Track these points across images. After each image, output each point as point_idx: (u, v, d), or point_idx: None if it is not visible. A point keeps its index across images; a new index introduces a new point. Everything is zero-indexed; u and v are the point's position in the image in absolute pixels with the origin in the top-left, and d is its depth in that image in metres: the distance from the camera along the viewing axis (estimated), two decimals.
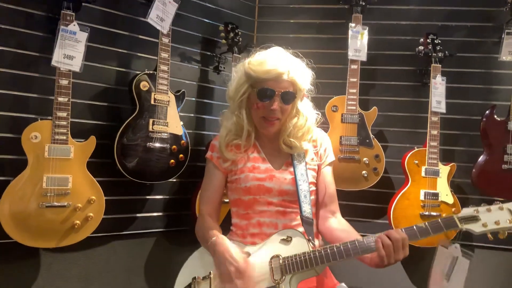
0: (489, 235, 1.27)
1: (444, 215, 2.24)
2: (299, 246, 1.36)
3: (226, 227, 1.71)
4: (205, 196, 1.63)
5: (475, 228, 1.25)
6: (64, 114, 1.77)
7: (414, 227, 1.28)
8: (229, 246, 1.38)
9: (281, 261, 1.35)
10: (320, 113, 1.67)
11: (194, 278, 1.42)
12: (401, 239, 1.25)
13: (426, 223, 1.28)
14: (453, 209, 2.26)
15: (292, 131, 1.54)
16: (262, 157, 1.59)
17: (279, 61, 1.47)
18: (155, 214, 2.28)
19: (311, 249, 1.35)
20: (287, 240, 1.38)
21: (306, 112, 1.58)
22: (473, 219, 1.26)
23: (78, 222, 1.80)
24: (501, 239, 1.29)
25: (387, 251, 1.25)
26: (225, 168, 1.60)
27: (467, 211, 1.27)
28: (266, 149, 1.61)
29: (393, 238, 1.25)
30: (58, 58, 1.77)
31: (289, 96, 1.49)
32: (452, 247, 2.11)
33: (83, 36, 1.84)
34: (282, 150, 1.56)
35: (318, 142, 1.64)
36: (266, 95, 1.46)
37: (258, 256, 1.40)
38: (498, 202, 1.26)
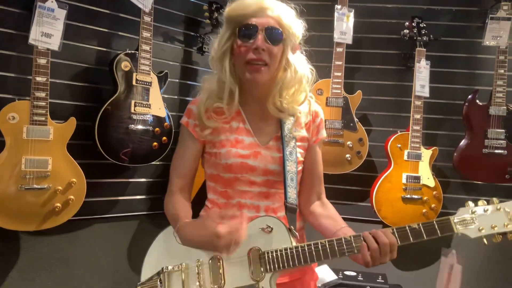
0: (484, 240, 1.16)
1: (425, 198, 2.30)
2: (280, 238, 1.24)
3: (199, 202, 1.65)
4: (178, 168, 1.45)
5: (471, 233, 1.16)
6: (43, 95, 1.72)
7: (407, 228, 1.18)
8: (194, 228, 1.25)
9: (260, 256, 1.23)
10: (314, 69, 1.44)
11: (163, 268, 1.28)
12: (389, 243, 1.16)
13: (420, 224, 1.18)
14: (434, 192, 2.30)
15: (282, 88, 1.34)
16: (247, 129, 1.40)
17: None
18: (138, 197, 2.25)
19: (293, 243, 1.23)
20: (267, 230, 1.24)
21: (298, 65, 1.37)
22: (470, 222, 1.17)
23: (58, 205, 1.77)
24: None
25: (373, 255, 1.17)
26: (203, 138, 1.40)
27: (464, 212, 1.18)
28: (252, 116, 1.41)
29: (381, 242, 1.16)
30: (35, 36, 1.71)
31: (275, 34, 1.29)
32: (451, 254, 2.06)
33: (61, 13, 1.77)
34: (270, 114, 1.37)
35: (311, 114, 1.46)
36: (248, 32, 1.28)
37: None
38: (496, 200, 1.18)
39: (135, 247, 2.27)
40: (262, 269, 1.20)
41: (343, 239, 1.19)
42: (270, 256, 1.21)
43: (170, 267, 1.27)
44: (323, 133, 1.48)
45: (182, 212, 1.36)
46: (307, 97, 1.40)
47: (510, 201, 1.17)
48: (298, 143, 1.41)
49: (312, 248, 1.19)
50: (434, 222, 1.17)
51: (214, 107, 1.36)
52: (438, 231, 1.16)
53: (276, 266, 1.20)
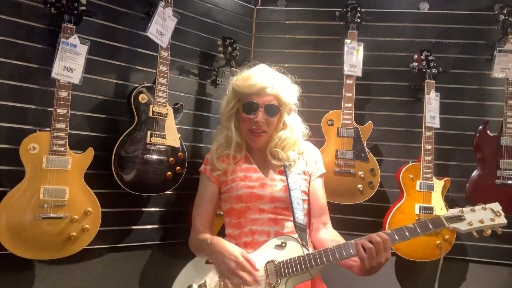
0: (475, 233, 1.34)
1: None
2: (293, 250, 1.40)
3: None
4: (199, 209, 1.67)
5: (461, 226, 1.32)
6: (63, 126, 1.78)
7: (404, 228, 1.33)
8: (225, 243, 1.42)
9: (276, 266, 1.38)
10: (308, 127, 1.74)
11: (189, 286, 1.42)
12: (382, 241, 1.29)
13: (415, 224, 1.34)
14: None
15: (278, 143, 1.61)
16: (254, 167, 1.64)
17: (262, 77, 1.57)
18: (151, 226, 2.27)
19: (305, 252, 1.39)
20: (281, 246, 1.41)
21: (293, 125, 1.65)
22: (459, 218, 1.33)
23: (74, 234, 1.79)
24: (494, 253, 1.36)
25: (368, 254, 1.29)
26: (218, 179, 1.65)
27: (453, 211, 1.35)
28: (257, 160, 1.66)
29: (374, 242, 1.30)
30: (58, 70, 1.79)
31: (273, 109, 1.57)
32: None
33: (83, 49, 1.86)
34: (270, 161, 1.62)
35: (308, 154, 1.69)
36: (251, 108, 1.55)
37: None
38: (481, 203, 1.37)
39: (147, 277, 2.26)
40: (277, 276, 1.37)
41: (349, 242, 1.37)
42: (284, 264, 1.38)
43: (195, 286, 1.44)
44: (322, 169, 1.70)
45: (203, 236, 1.54)
46: (301, 149, 1.67)
47: (494, 203, 1.36)
48: (300, 175, 1.62)
49: (322, 252, 1.36)
50: (427, 219, 1.35)
51: (225, 153, 1.65)
52: (431, 227, 1.32)
53: (290, 271, 1.36)
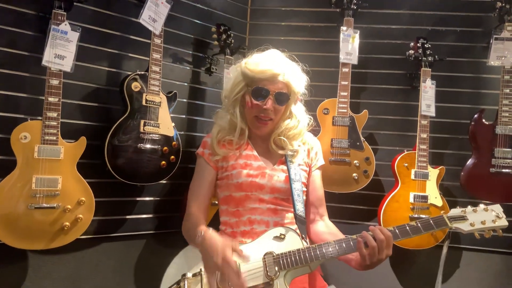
0: (476, 234, 1.34)
1: None
2: (292, 243, 1.37)
3: (214, 227, 1.70)
4: (195, 193, 1.61)
5: (464, 227, 1.32)
6: (55, 115, 1.75)
7: (406, 226, 1.32)
8: (218, 240, 1.31)
9: (275, 258, 1.34)
10: (312, 117, 1.71)
11: (184, 275, 1.40)
12: (385, 238, 1.27)
13: (418, 222, 1.32)
14: (441, 212, 2.28)
15: (283, 132, 1.56)
16: (255, 155, 1.59)
17: (275, 63, 1.51)
18: (145, 216, 2.26)
19: (305, 245, 1.36)
20: (280, 238, 1.38)
21: (299, 115, 1.60)
22: (462, 218, 1.33)
23: (67, 223, 1.78)
24: (487, 240, 1.42)
25: (370, 251, 1.27)
26: (216, 164, 1.60)
27: (456, 211, 1.35)
28: (259, 148, 1.62)
29: (378, 238, 1.27)
30: (49, 58, 1.75)
31: (283, 97, 1.51)
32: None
33: (74, 36, 1.82)
34: (273, 150, 1.58)
35: (309, 145, 1.66)
36: (261, 94, 1.49)
37: (251, 253, 1.37)
38: (483, 204, 1.36)
39: (141, 266, 2.26)
40: (276, 268, 1.32)
41: (350, 238, 1.33)
42: (284, 257, 1.33)
43: (189, 274, 1.38)
44: (321, 161, 1.67)
45: (198, 226, 1.45)
46: (304, 139, 1.64)
47: (495, 204, 1.36)
48: (301, 166, 1.58)
49: (322, 247, 1.34)
50: (430, 218, 1.34)
51: (226, 139, 1.58)
52: (434, 226, 1.32)
53: (290, 264, 1.32)
